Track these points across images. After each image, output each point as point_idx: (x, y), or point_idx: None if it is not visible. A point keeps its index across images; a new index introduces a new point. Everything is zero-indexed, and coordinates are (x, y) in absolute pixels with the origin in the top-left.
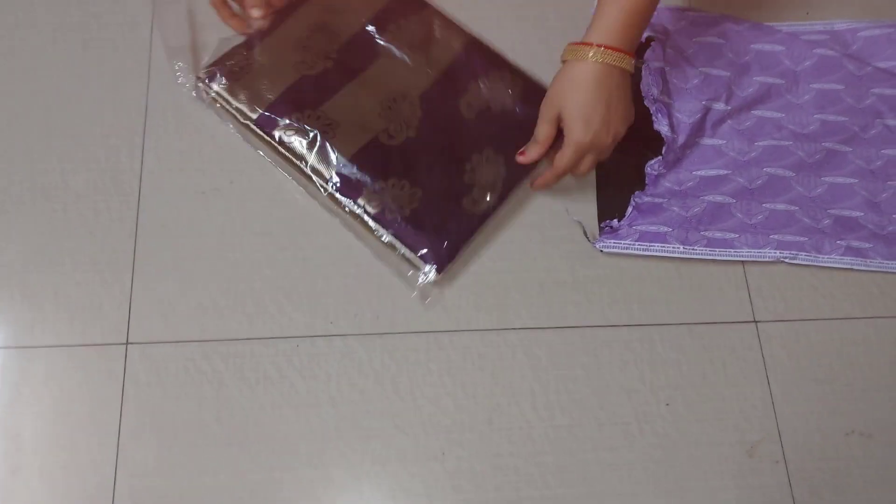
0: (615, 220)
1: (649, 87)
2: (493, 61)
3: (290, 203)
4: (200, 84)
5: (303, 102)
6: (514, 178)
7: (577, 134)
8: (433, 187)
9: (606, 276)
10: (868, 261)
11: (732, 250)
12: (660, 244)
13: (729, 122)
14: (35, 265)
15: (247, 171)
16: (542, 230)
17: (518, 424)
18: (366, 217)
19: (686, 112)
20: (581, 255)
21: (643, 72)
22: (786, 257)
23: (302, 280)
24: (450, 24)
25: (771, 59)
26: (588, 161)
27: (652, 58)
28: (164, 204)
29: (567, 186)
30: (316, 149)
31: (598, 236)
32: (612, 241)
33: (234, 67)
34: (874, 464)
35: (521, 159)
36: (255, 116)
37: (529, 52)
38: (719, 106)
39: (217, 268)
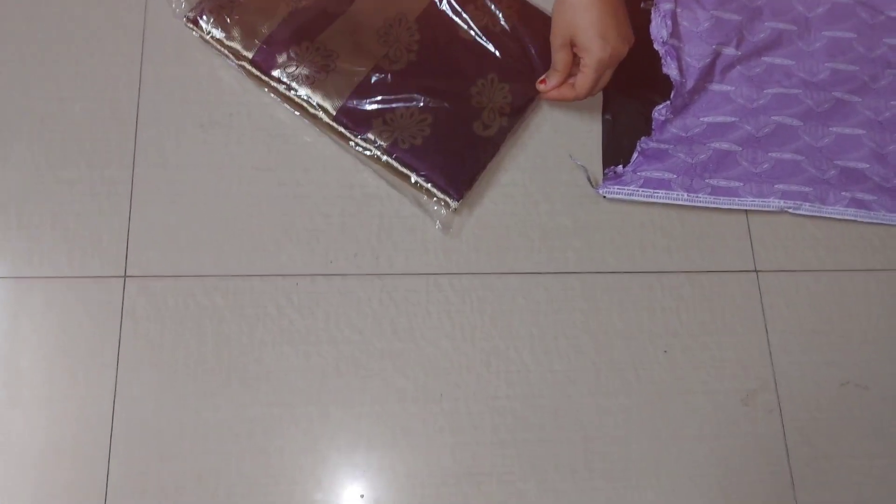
0: (620, 166)
1: (659, 29)
2: None
3: (289, 138)
4: (190, 25)
5: (299, 35)
6: (522, 103)
7: (597, 52)
8: (442, 113)
9: (608, 221)
10: (872, 213)
11: (737, 199)
12: (664, 191)
13: (738, 67)
14: (33, 194)
15: (247, 105)
16: (545, 173)
17: (516, 368)
18: (376, 151)
19: (696, 56)
20: (583, 201)
21: (653, 14)
22: (790, 207)
23: (301, 217)
24: None
25: (783, 4)
26: (607, 75)
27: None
28: (162, 135)
29: (572, 129)
30: (318, 83)
31: (601, 182)
32: (616, 186)
33: (223, 2)
34: (868, 415)
35: (541, 87)
36: (250, 55)
37: None
38: (729, 51)
39: (215, 202)
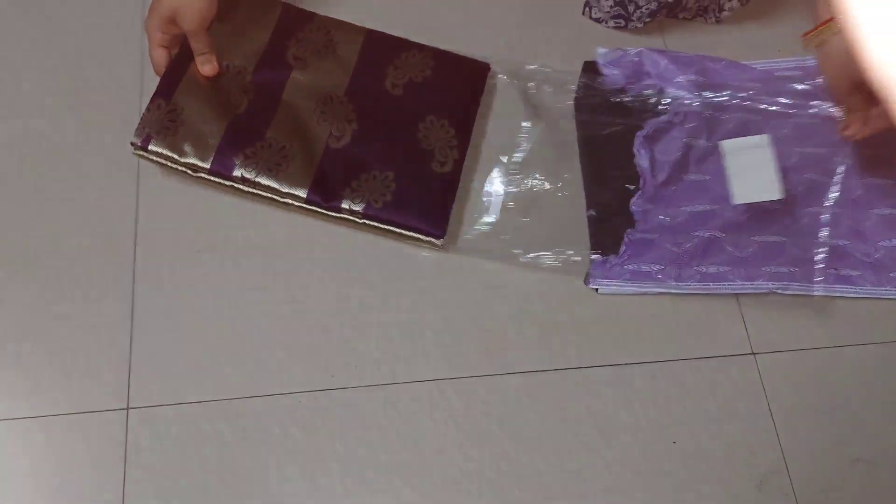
0: (611, 256)
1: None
2: (397, 44)
3: (284, 256)
4: (139, 152)
5: (248, 137)
6: (465, 134)
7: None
8: (400, 165)
9: (604, 314)
10: (858, 288)
11: (726, 283)
12: (653, 282)
13: (712, 157)
14: (30, 333)
15: (241, 226)
16: (537, 272)
17: (528, 471)
18: (353, 218)
19: (665, 152)
20: (577, 295)
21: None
22: (778, 288)
23: (300, 333)
24: (344, 25)
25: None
26: None
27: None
28: (159, 264)
29: (560, 222)
30: (281, 174)
31: (590, 276)
32: (606, 280)
33: (165, 122)
34: (882, 492)
35: (848, 134)
36: (207, 166)
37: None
38: (700, 142)
39: (215, 326)
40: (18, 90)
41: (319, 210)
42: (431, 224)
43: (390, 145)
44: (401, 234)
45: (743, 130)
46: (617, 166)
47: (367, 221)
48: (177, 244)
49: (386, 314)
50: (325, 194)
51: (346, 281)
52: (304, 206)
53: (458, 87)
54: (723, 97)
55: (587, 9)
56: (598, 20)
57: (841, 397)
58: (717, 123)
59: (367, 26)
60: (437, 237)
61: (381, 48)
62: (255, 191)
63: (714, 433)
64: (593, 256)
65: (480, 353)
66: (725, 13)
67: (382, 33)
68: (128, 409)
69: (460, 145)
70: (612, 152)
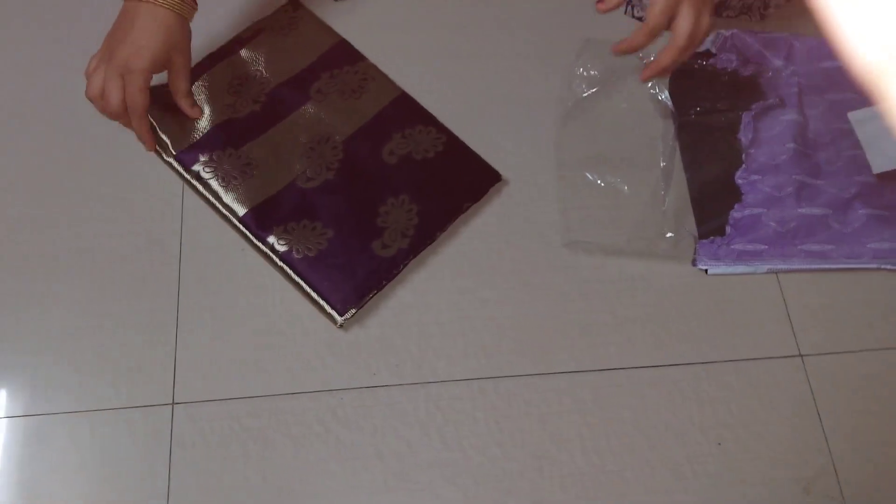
0: (717, 238)
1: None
2: (420, 116)
3: None
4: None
5: (225, 142)
6: (428, 229)
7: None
8: (344, 229)
9: (646, 314)
10: None
11: (831, 261)
12: (759, 262)
13: (812, 131)
14: (80, 330)
15: None
16: (578, 271)
17: (569, 471)
18: (273, 256)
19: (769, 129)
20: (619, 295)
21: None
22: (886, 265)
23: (342, 331)
24: (384, 78)
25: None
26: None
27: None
28: (204, 262)
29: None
30: (232, 186)
31: (696, 256)
32: (714, 260)
33: (170, 102)
34: None
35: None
36: (175, 152)
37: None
38: (801, 118)
39: (258, 323)
40: (75, 98)
41: (248, 235)
42: (337, 300)
43: (348, 206)
44: (307, 294)
45: (842, 106)
46: (718, 147)
47: (283, 266)
48: (221, 243)
49: (426, 313)
50: (259, 221)
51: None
52: (238, 224)
53: (452, 182)
54: (816, 76)
55: (629, 7)
56: (640, 18)
57: (891, 400)
58: (813, 101)
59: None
60: (340, 313)
61: (402, 113)
62: (205, 193)
63: (760, 435)
64: (702, 236)
65: (521, 353)
66: (770, 10)
67: (412, 100)
68: (173, 404)
69: (416, 237)
70: (713, 133)
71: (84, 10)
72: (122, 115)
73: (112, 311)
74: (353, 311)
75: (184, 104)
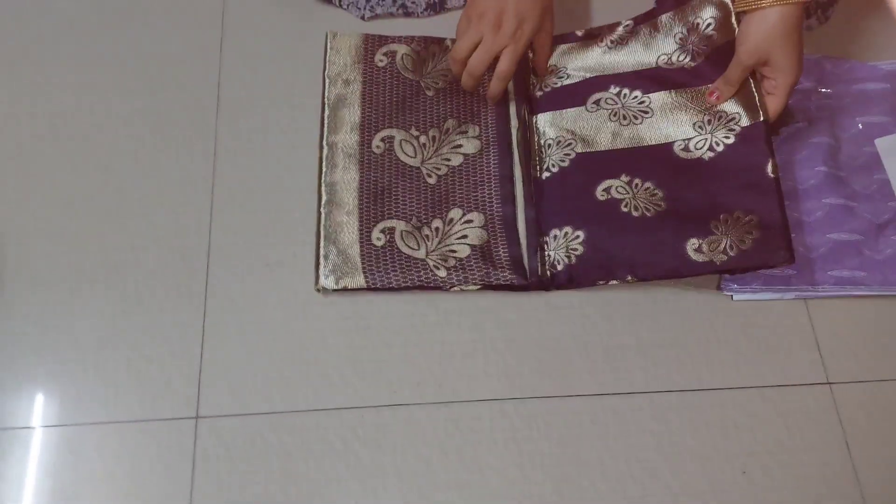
0: None
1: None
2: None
3: None
4: None
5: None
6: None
7: (794, 77)
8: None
9: (670, 338)
10: None
11: (864, 287)
12: (786, 287)
13: (843, 155)
14: (107, 341)
15: (309, 242)
16: (602, 293)
17: (589, 496)
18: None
19: (796, 152)
20: (644, 318)
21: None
22: None
23: (365, 349)
24: None
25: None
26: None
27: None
28: (230, 277)
29: None
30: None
31: (723, 281)
32: (739, 285)
33: None
34: None
35: (713, 100)
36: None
37: None
38: (831, 142)
39: (282, 339)
40: (107, 112)
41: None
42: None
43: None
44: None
45: (875, 129)
46: None
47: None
48: (248, 259)
49: (449, 332)
50: None
51: (410, 299)
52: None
53: None
54: (847, 99)
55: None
56: None
57: None
58: (845, 124)
59: None
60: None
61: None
62: (529, 141)
63: (786, 464)
64: None
65: (543, 375)
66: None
67: None
68: (197, 417)
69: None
70: None
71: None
72: (479, 79)
73: (140, 324)
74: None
75: (541, 65)
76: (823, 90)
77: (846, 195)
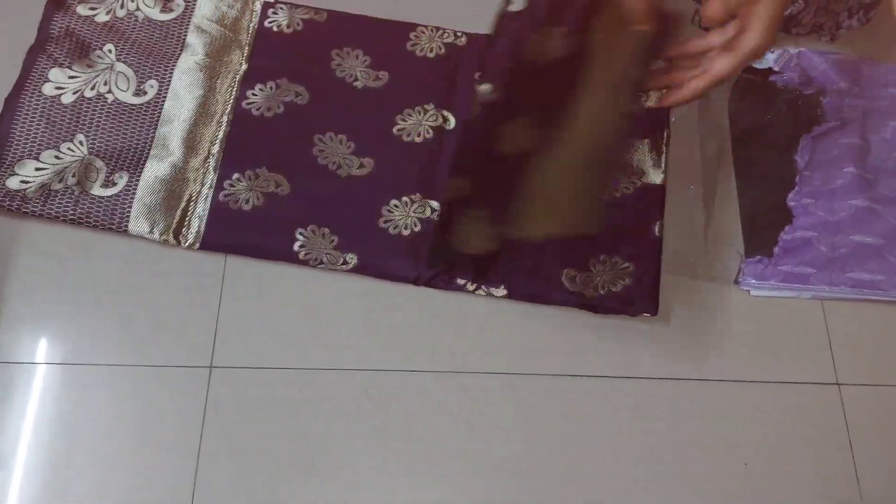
0: (764, 258)
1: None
2: None
3: None
4: None
5: None
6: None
7: (764, 41)
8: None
9: (684, 327)
10: None
11: (881, 292)
12: (803, 285)
13: (872, 157)
14: (129, 286)
15: None
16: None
17: (594, 474)
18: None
19: (826, 151)
20: (662, 307)
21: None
22: None
23: (381, 313)
24: None
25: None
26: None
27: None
28: None
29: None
30: None
31: (741, 274)
32: (758, 280)
33: None
34: None
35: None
36: None
37: None
38: (861, 142)
39: (299, 297)
40: None
41: None
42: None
43: None
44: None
45: None
46: (772, 166)
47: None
48: None
49: (465, 304)
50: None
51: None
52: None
53: None
54: (883, 101)
55: (696, 17)
56: (707, 29)
57: None
58: (877, 127)
59: None
60: None
61: None
62: None
63: (788, 459)
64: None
65: (556, 353)
66: (842, 31)
67: None
68: (211, 367)
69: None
70: (767, 152)
71: None
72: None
73: (163, 270)
74: None
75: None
76: (857, 90)
77: (872, 198)
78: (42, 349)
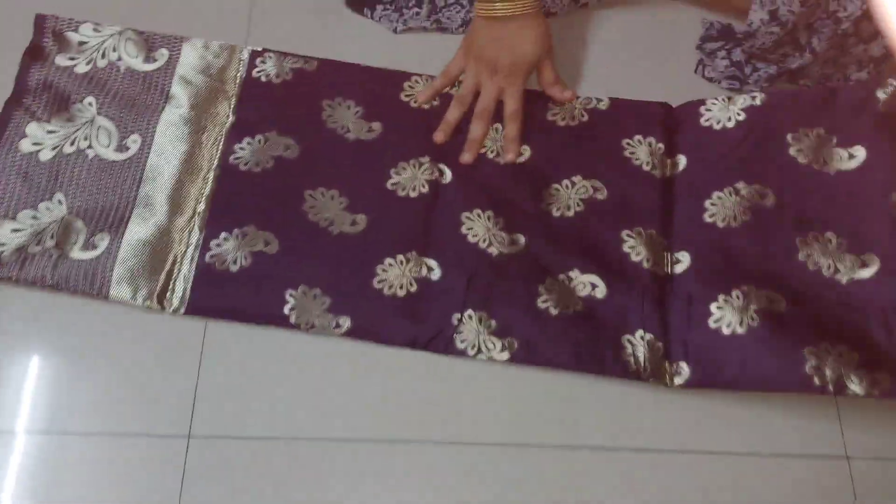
0: None
1: None
2: None
3: None
4: None
5: None
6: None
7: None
8: None
9: (687, 395)
10: None
11: None
12: None
13: None
14: (104, 351)
15: None
16: None
17: None
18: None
19: None
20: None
21: None
22: None
23: (367, 381)
24: None
25: None
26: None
27: None
28: None
29: None
30: None
31: None
32: None
33: None
34: None
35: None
36: None
37: None
38: None
39: (280, 364)
40: None
41: None
42: None
43: None
44: None
45: None
46: None
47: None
48: None
49: (458, 369)
50: None
51: None
52: None
53: None
54: None
55: (700, 67)
56: (711, 79)
57: None
58: None
59: None
60: None
61: None
62: None
63: None
64: None
65: (555, 422)
66: (851, 84)
67: None
68: (189, 436)
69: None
70: None
71: None
72: (487, 119)
73: (140, 336)
74: None
75: (555, 92)
76: None
77: None
78: (15, 416)
